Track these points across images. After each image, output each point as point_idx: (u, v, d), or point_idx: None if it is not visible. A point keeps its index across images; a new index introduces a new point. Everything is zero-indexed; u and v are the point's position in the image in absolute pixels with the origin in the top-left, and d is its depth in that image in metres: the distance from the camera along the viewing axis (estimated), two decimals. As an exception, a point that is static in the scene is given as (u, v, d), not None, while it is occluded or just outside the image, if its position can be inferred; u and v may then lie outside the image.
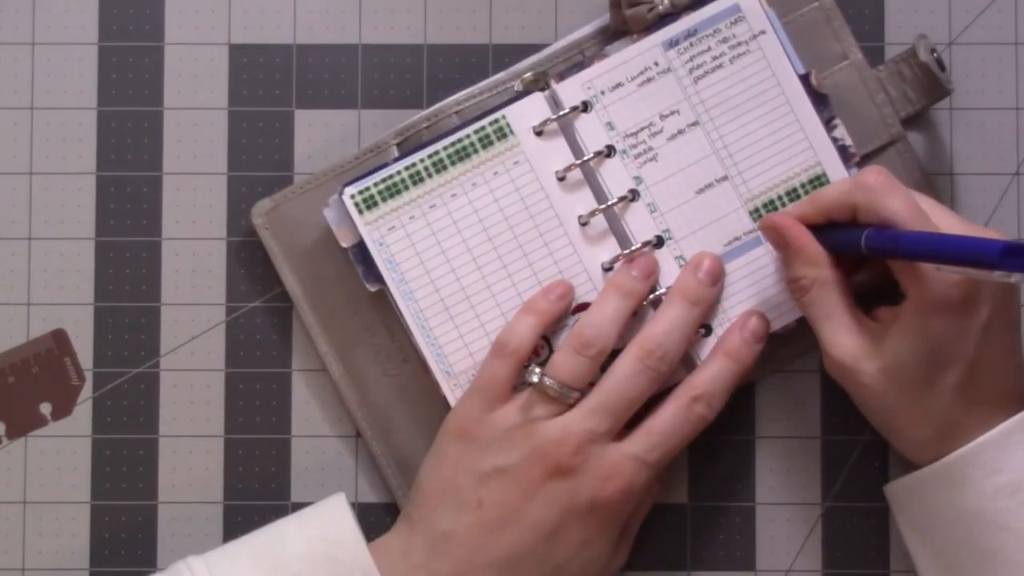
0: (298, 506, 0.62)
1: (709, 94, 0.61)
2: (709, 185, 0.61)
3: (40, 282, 0.64)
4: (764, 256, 0.61)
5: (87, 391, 0.64)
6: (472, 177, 0.61)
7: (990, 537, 0.55)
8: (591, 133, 0.61)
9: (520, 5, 0.65)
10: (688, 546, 0.64)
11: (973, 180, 0.64)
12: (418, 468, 0.60)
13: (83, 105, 0.64)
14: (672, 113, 0.61)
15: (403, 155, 0.61)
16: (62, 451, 0.64)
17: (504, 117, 0.61)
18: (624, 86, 0.61)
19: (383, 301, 0.62)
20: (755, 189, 0.61)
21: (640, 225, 0.61)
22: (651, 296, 0.60)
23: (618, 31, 0.62)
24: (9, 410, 0.64)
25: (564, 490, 0.57)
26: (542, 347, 0.61)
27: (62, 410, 0.64)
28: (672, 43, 0.61)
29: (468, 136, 0.61)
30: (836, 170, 0.61)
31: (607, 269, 0.61)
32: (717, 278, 0.60)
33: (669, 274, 0.61)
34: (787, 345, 0.62)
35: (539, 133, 0.61)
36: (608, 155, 0.61)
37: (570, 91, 0.61)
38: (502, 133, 0.61)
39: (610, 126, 0.61)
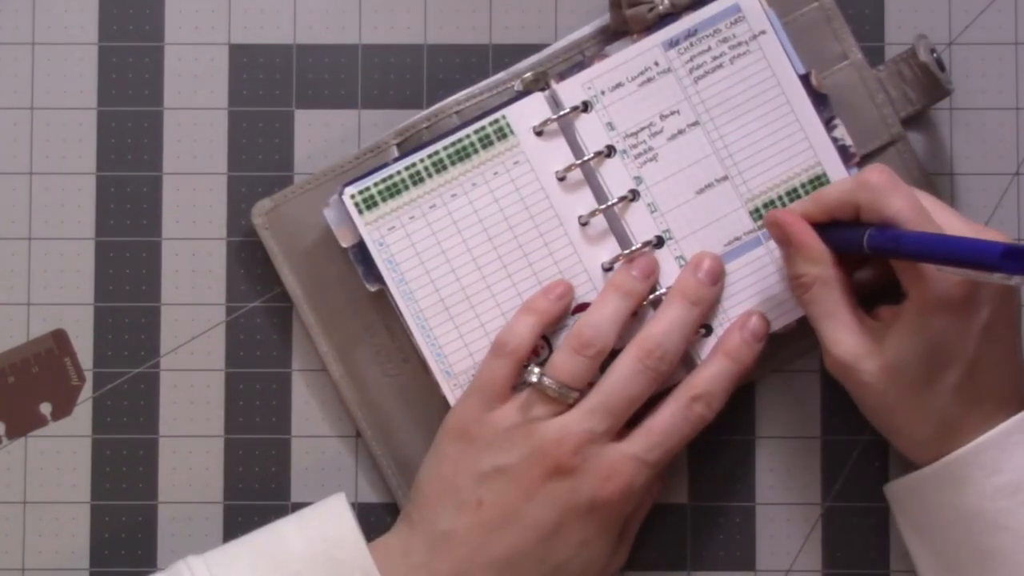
0: (298, 506, 0.62)
1: (709, 94, 0.61)
2: (709, 185, 0.61)
3: (40, 282, 0.64)
4: (764, 256, 0.61)
5: (87, 391, 0.64)
6: (472, 177, 0.61)
7: (990, 537, 0.55)
8: (591, 133, 0.61)
9: (520, 5, 0.65)
10: (688, 546, 0.64)
11: (973, 180, 0.64)
12: (418, 468, 0.60)
13: (83, 105, 0.64)
14: (672, 113, 0.61)
15: (403, 155, 0.61)
16: (62, 451, 0.64)
17: (504, 117, 0.61)
18: (624, 86, 0.61)
19: (383, 301, 0.62)
20: (755, 189, 0.61)
21: (640, 225, 0.61)
22: (651, 296, 0.60)
23: (618, 31, 0.62)
24: (9, 410, 0.64)
25: (564, 490, 0.57)
26: (542, 347, 0.61)
27: (62, 410, 0.64)
28: (672, 43, 0.61)
29: (468, 136, 0.61)
30: (836, 170, 0.61)
31: (607, 269, 0.61)
32: (717, 278, 0.60)
33: (669, 274, 0.61)
34: (787, 345, 0.62)
35: (539, 133, 0.61)
36: (608, 155, 0.61)
37: (570, 91, 0.61)
38: (502, 133, 0.61)
39: (610, 126, 0.61)
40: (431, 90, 0.64)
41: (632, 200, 0.61)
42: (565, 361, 0.58)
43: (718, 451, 0.64)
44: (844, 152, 0.61)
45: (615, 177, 0.61)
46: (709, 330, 0.61)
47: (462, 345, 0.61)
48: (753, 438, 0.64)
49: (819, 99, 0.61)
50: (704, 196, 0.61)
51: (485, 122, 0.61)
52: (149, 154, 0.64)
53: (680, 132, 0.61)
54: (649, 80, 0.61)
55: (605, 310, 0.59)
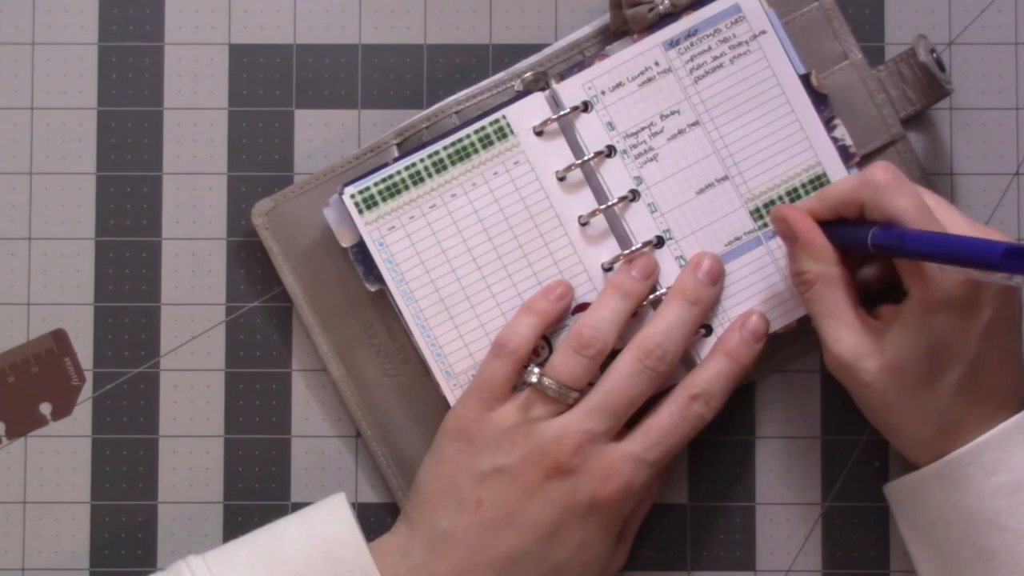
0: (298, 506, 0.62)
1: (709, 94, 0.61)
2: (709, 185, 0.61)
3: (40, 282, 0.64)
4: (764, 256, 0.61)
5: (87, 391, 0.64)
6: (472, 177, 0.61)
7: (989, 537, 0.55)
8: (591, 133, 0.61)
9: (520, 5, 0.65)
10: (688, 546, 0.64)
11: (973, 180, 0.64)
12: (418, 468, 0.60)
13: (83, 105, 0.64)
14: (672, 113, 0.61)
15: (403, 155, 0.61)
16: (62, 451, 0.64)
17: (504, 117, 0.61)
18: (624, 86, 0.61)
19: (383, 301, 0.62)
20: (755, 189, 0.61)
21: (640, 225, 0.61)
22: (651, 296, 0.60)
23: (618, 31, 0.62)
24: (9, 410, 0.64)
25: (563, 490, 0.57)
26: (542, 347, 0.61)
27: (62, 410, 0.64)
28: (672, 43, 0.61)
29: (468, 136, 0.61)
30: (836, 170, 0.61)
31: (607, 269, 0.61)
32: (717, 278, 0.60)
33: (669, 274, 0.61)
34: (787, 345, 0.62)
35: (539, 133, 0.61)
36: (608, 155, 0.61)
37: (570, 91, 0.61)
38: (502, 133, 0.61)
39: (610, 126, 0.61)
40: (431, 90, 0.64)
41: (632, 200, 0.61)
42: (565, 361, 0.58)
43: (718, 451, 0.64)
44: (844, 152, 0.61)
45: (615, 177, 0.61)
46: (709, 330, 0.61)
47: (462, 345, 0.61)
48: (753, 438, 0.64)
49: (819, 99, 0.61)
50: (704, 196, 0.61)
51: (485, 122, 0.61)
52: (149, 154, 0.64)
53: (680, 132, 0.61)
54: (649, 80, 0.61)
55: (605, 310, 0.59)
